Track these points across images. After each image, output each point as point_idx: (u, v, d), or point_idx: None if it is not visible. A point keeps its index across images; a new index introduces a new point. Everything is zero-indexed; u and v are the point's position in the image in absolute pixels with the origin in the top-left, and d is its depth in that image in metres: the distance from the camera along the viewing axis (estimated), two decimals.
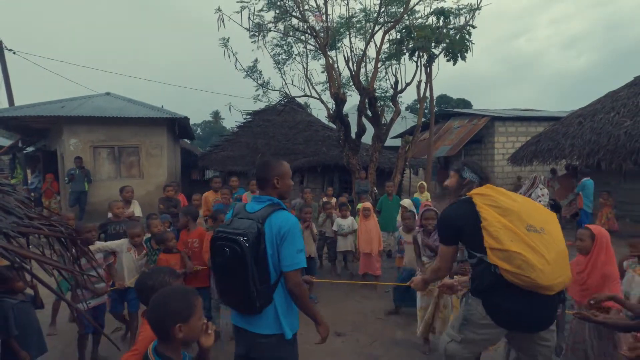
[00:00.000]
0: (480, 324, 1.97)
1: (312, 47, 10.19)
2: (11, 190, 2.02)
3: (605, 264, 2.44)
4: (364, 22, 10.05)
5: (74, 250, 1.92)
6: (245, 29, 9.23)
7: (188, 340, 1.43)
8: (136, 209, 5.38)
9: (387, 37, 9.55)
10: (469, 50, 9.58)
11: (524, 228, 1.88)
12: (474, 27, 9.66)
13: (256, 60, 10.38)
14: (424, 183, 7.70)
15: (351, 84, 10.33)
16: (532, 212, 1.97)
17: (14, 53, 12.58)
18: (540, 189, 6.07)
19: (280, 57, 10.60)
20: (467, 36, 9.61)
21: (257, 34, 9.67)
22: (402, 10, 9.23)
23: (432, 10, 9.70)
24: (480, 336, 2.03)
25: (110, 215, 5.04)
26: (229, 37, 9.47)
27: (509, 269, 1.81)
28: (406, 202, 5.14)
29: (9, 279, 2.51)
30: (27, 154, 12.99)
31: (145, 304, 1.79)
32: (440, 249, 2.21)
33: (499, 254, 1.84)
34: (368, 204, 5.52)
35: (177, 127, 10.88)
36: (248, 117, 14.19)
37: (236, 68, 10.01)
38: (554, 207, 9.88)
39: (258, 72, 10.50)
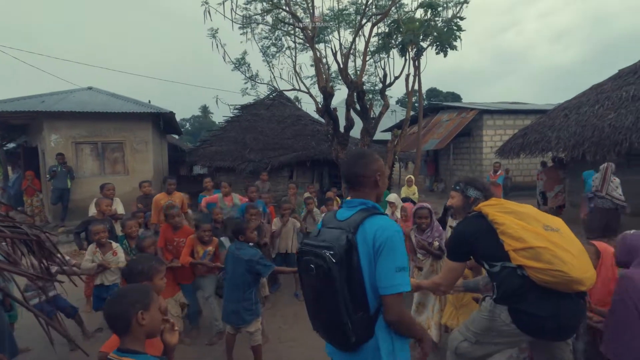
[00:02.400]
0: (502, 330, 1.92)
1: (300, 40, 10.07)
2: None
3: (611, 281, 2.36)
4: (353, 14, 9.95)
5: (40, 253, 1.82)
6: (231, 20, 9.06)
7: (151, 331, 1.40)
8: (119, 207, 5.25)
9: (375, 30, 9.48)
10: (457, 39, 9.56)
11: (542, 228, 1.89)
12: (462, 18, 9.64)
13: (245, 52, 10.23)
14: (412, 177, 7.69)
15: (339, 77, 10.25)
16: (544, 215, 2.01)
17: None
18: (612, 181, 6.04)
19: (269, 50, 10.47)
20: (454, 28, 9.59)
21: (244, 26, 9.52)
22: (390, 2, 9.15)
23: (420, 3, 9.65)
24: (499, 342, 1.99)
25: (93, 212, 4.92)
26: (217, 28, 9.31)
27: (538, 266, 1.76)
28: (392, 197, 5.11)
29: None
30: (7, 151, 12.62)
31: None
32: (448, 265, 2.14)
33: (525, 253, 1.80)
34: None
35: (162, 122, 10.66)
36: (236, 111, 14.01)
37: (224, 60, 9.86)
38: (544, 198, 10.05)
39: (246, 64, 10.35)
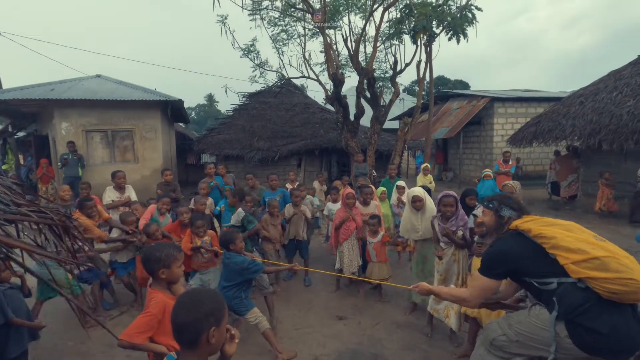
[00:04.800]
0: (552, 340, 1.84)
1: (310, 26, 9.89)
2: None
3: None
4: None
5: (67, 238, 1.81)
6: (241, 7, 8.91)
7: (215, 350, 1.28)
8: (131, 194, 5.27)
9: (386, 15, 9.27)
10: (472, 24, 9.30)
11: (593, 237, 1.83)
12: (479, 9, 9.38)
13: (254, 39, 10.10)
14: (428, 165, 7.60)
15: (350, 64, 10.09)
16: (582, 228, 1.94)
17: (0, 34, 12.11)
18: None
19: (279, 36, 10.31)
20: (469, 14, 9.33)
21: (253, 12, 9.36)
22: None
23: None
24: (542, 348, 1.91)
25: (108, 201, 4.97)
26: (227, 15, 9.19)
27: (607, 276, 1.67)
28: (402, 182, 5.08)
29: None
30: (18, 139, 12.71)
31: (151, 275, 2.01)
32: (482, 282, 2.04)
33: (589, 264, 1.72)
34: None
35: (170, 110, 10.63)
36: (244, 99, 13.92)
37: (233, 47, 9.75)
38: (554, 188, 9.92)
39: (255, 52, 10.23)
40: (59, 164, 8.77)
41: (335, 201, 5.25)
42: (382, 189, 5.67)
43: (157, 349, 1.85)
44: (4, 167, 11.49)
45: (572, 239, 1.81)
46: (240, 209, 4.47)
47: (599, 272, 1.70)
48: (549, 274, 1.85)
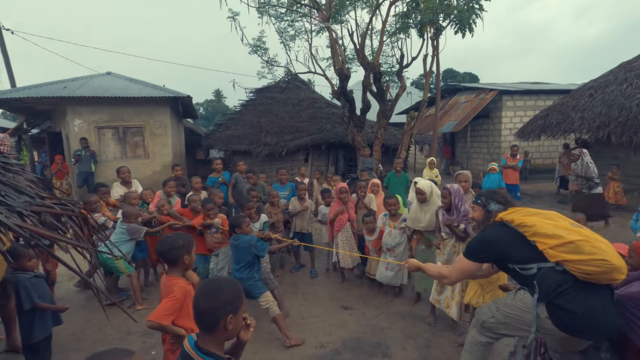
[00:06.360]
0: (534, 321, 1.95)
1: (316, 22, 9.91)
2: (21, 170, 2.03)
3: None
4: None
5: (85, 228, 1.95)
6: (247, 4, 8.98)
7: (232, 335, 1.36)
8: (138, 188, 5.42)
9: (393, 9, 9.24)
10: (479, 17, 9.21)
11: (570, 224, 1.96)
12: None
13: (262, 32, 10.19)
14: (434, 159, 7.62)
15: (356, 59, 10.09)
16: (564, 216, 2.07)
17: (12, 33, 12.38)
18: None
19: (286, 31, 10.36)
20: (476, 6, 9.25)
21: (261, 7, 9.43)
22: None
23: None
24: (526, 329, 2.03)
25: (116, 196, 5.13)
26: (238, 12, 9.26)
27: (581, 258, 1.79)
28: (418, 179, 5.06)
29: (20, 256, 2.62)
30: (32, 136, 13.03)
31: (172, 262, 2.16)
32: (462, 263, 2.22)
33: (564, 248, 1.84)
34: (376, 181, 5.50)
35: (180, 106, 10.79)
36: (251, 95, 14.02)
37: (242, 42, 9.84)
38: (562, 182, 9.85)
39: (263, 48, 10.31)
40: (73, 160, 9.02)
41: (328, 204, 5.03)
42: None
43: (179, 331, 2.01)
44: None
45: (550, 226, 1.92)
46: (263, 215, 4.56)
47: (574, 254, 1.81)
48: (529, 259, 1.96)
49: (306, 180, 6.55)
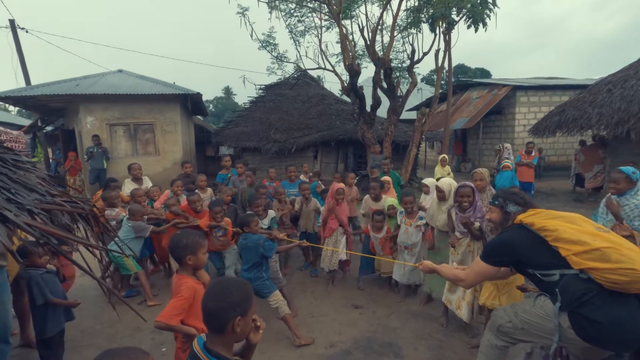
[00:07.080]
0: (555, 330, 1.86)
1: (326, 17, 9.83)
2: (32, 168, 2.03)
3: None
4: None
5: (96, 226, 1.94)
6: None
7: (240, 337, 1.34)
8: (148, 185, 5.47)
9: (404, 3, 9.11)
10: (492, 11, 9.01)
11: (595, 229, 1.84)
12: None
13: (272, 28, 10.18)
14: (446, 156, 7.49)
15: (366, 55, 9.98)
16: (587, 219, 1.94)
17: (27, 32, 12.60)
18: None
19: (296, 27, 10.31)
20: (489, 0, 9.04)
21: (270, 3, 9.39)
22: None
23: None
24: (546, 337, 1.95)
25: (127, 193, 5.16)
26: (248, 7, 9.27)
27: (608, 267, 1.68)
28: (427, 181, 4.92)
29: (31, 253, 2.64)
30: (46, 133, 13.26)
31: (177, 261, 2.12)
32: (479, 267, 2.13)
33: (590, 255, 1.73)
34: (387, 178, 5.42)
35: (190, 103, 10.84)
36: (260, 91, 14.02)
37: (252, 38, 9.84)
38: (578, 180, 9.60)
39: (273, 44, 10.28)
40: (85, 156, 9.14)
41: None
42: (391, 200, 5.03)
43: (189, 331, 1.98)
44: (33, 159, 12.06)
45: (573, 231, 1.81)
46: (271, 211, 4.57)
47: (600, 262, 1.70)
48: (551, 265, 1.86)
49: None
